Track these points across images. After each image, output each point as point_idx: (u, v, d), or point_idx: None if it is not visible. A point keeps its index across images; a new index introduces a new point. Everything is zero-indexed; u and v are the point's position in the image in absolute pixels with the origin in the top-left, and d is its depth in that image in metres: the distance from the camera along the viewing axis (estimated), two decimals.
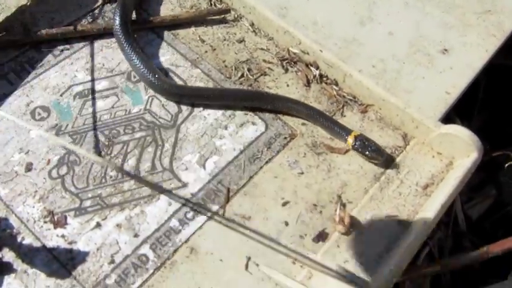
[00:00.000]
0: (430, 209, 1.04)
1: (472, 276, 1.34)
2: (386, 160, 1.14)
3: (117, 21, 1.22)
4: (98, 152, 1.10)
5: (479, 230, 1.41)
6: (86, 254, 0.99)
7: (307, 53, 1.26)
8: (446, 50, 1.27)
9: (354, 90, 1.23)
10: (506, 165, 1.32)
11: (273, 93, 1.22)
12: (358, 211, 1.07)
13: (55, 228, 1.01)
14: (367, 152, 1.12)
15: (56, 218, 1.02)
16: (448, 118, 1.21)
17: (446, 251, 1.33)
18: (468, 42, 1.29)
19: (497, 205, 1.43)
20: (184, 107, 1.19)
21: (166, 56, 1.26)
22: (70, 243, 1.00)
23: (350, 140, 1.14)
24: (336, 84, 1.25)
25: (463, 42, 1.29)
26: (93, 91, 1.19)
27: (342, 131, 1.16)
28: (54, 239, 1.00)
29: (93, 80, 1.20)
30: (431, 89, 1.20)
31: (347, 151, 1.15)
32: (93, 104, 1.17)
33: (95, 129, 1.13)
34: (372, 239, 1.04)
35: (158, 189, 1.07)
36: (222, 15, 1.35)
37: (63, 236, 1.00)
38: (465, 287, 1.30)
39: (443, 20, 1.34)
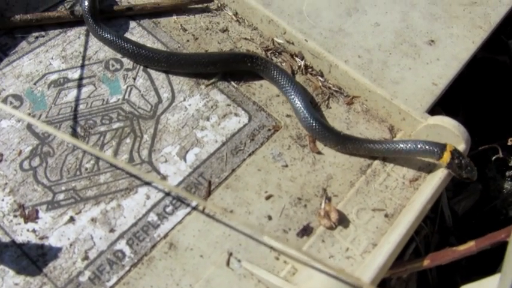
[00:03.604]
0: (418, 202, 1.01)
1: (458, 273, 1.31)
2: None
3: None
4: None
5: (465, 227, 1.38)
6: (58, 249, 0.94)
7: (292, 43, 1.23)
8: (433, 41, 1.25)
9: (340, 81, 1.20)
10: (493, 158, 1.30)
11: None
12: (344, 205, 1.04)
13: (25, 222, 0.96)
14: (463, 173, 1.00)
15: (26, 211, 0.97)
16: (433, 113, 1.18)
17: (432, 248, 1.30)
18: (455, 33, 1.27)
19: (484, 200, 1.41)
20: (164, 98, 1.14)
21: (147, 44, 1.21)
22: (41, 238, 0.94)
23: (446, 156, 1.00)
24: (321, 75, 1.22)
25: (449, 33, 1.27)
26: (68, 80, 1.13)
27: (432, 146, 1.01)
28: (24, 233, 0.94)
29: (68, 69, 1.15)
30: (418, 80, 1.18)
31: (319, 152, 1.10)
32: (69, 94, 1.11)
33: (70, 119, 1.08)
34: (358, 233, 1.01)
35: (136, 181, 1.02)
36: (205, 4, 1.30)
37: (34, 231, 0.95)
38: (452, 284, 1.27)
39: (430, 11, 1.31)
